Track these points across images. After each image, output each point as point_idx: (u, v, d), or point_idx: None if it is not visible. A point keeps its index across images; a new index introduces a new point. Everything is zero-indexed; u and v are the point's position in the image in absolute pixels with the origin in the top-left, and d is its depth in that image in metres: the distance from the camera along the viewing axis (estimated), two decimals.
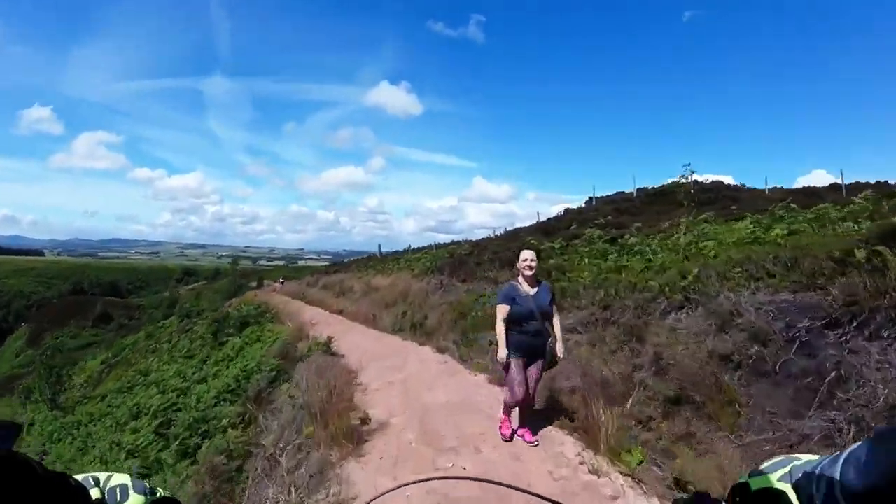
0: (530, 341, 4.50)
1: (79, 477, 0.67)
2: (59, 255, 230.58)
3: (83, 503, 0.63)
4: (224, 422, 7.07)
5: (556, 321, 4.69)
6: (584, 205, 24.21)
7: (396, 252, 35.52)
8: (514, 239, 17.62)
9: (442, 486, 3.67)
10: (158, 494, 0.75)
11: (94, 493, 0.68)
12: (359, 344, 10.59)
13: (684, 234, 9.34)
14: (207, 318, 20.21)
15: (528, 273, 4.50)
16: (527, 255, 4.52)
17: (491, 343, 8.98)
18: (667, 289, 6.48)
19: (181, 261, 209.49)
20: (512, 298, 4.49)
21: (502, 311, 4.51)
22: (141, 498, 0.72)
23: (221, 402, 8.58)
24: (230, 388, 8.79)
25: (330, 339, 9.65)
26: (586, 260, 10.82)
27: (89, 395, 19.36)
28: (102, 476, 0.73)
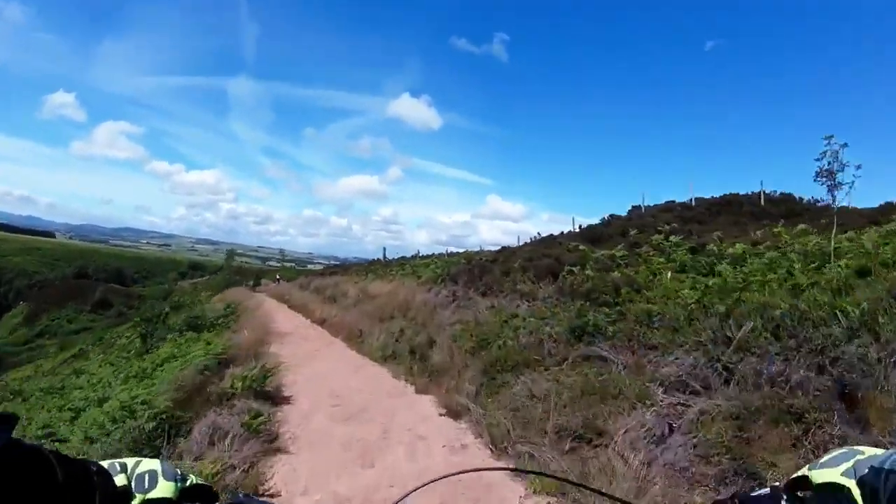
0: None
1: (104, 463, 0.63)
2: (70, 238, 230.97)
3: (106, 491, 0.58)
4: None
5: None
6: (627, 213, 20.60)
7: (403, 258, 31.01)
8: (551, 245, 13.92)
9: None
10: (190, 481, 0.68)
11: (121, 480, 0.62)
12: (324, 377, 6.93)
13: (833, 236, 6.60)
14: (143, 316, 15.49)
15: None
16: None
17: (534, 397, 5.44)
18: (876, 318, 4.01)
19: (191, 255, 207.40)
20: None
21: None
22: (171, 485, 0.65)
23: (85, 452, 4.91)
24: (97, 433, 5.08)
25: (268, 372, 5.99)
26: (668, 274, 8.00)
27: (13, 392, 15.50)
28: (130, 462, 0.66)
